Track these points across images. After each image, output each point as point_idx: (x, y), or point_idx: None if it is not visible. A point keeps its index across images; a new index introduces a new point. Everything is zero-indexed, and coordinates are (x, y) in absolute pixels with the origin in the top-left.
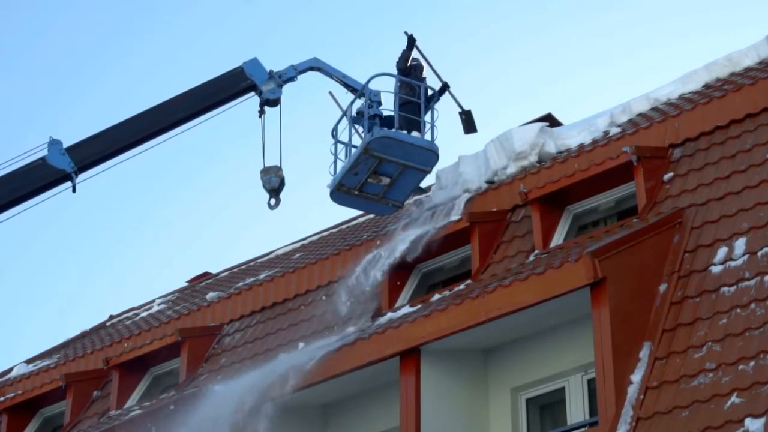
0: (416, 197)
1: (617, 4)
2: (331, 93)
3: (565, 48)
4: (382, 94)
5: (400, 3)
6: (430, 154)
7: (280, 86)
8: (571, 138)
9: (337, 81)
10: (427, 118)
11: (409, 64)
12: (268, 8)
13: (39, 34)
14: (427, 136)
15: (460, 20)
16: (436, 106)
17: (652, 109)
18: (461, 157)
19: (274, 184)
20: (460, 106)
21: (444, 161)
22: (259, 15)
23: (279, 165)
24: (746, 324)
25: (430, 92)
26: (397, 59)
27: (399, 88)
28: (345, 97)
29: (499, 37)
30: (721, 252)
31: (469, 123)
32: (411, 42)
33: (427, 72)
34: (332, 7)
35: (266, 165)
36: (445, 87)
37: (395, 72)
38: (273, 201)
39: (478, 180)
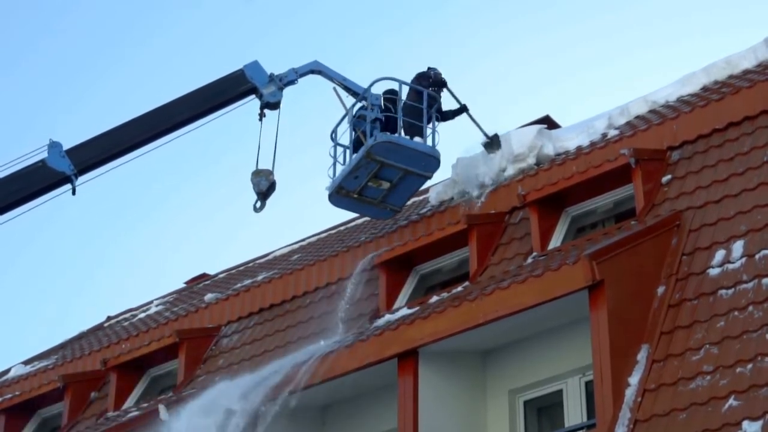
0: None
1: (615, 6)
2: (335, 89)
3: (562, 50)
4: (383, 98)
5: (401, 5)
6: (431, 160)
7: (281, 89)
8: (569, 140)
9: (338, 84)
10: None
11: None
12: (268, 9)
13: (39, 34)
14: (429, 142)
15: (459, 22)
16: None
17: (650, 111)
18: (459, 159)
19: (262, 187)
20: (485, 135)
21: (445, 166)
22: (259, 16)
23: (271, 169)
24: (744, 326)
25: (445, 108)
26: (417, 75)
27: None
28: (348, 99)
29: (497, 39)
30: (719, 255)
31: (493, 146)
32: (441, 85)
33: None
34: (333, 8)
35: (259, 168)
36: (463, 109)
37: (409, 81)
38: (259, 204)
39: (475, 181)
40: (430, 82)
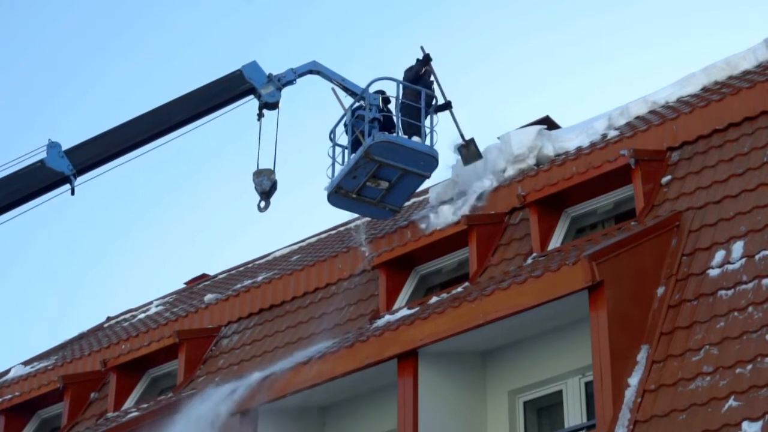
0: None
1: (615, 7)
2: (334, 89)
3: (562, 50)
4: (381, 98)
5: (400, 5)
6: (430, 159)
7: (279, 89)
8: (569, 141)
9: (336, 84)
10: (427, 122)
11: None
12: (268, 9)
13: (39, 34)
14: (427, 141)
15: (458, 23)
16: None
17: (650, 112)
18: (459, 159)
19: (265, 186)
20: (462, 137)
21: (443, 163)
22: (259, 15)
23: (272, 168)
24: (744, 327)
25: (433, 102)
26: (407, 69)
27: (401, 93)
28: (346, 99)
29: (497, 39)
30: (719, 255)
31: (469, 153)
32: (426, 60)
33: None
34: (332, 8)
35: (260, 167)
36: (447, 105)
37: (401, 78)
38: (263, 204)
39: (475, 182)
40: (418, 63)
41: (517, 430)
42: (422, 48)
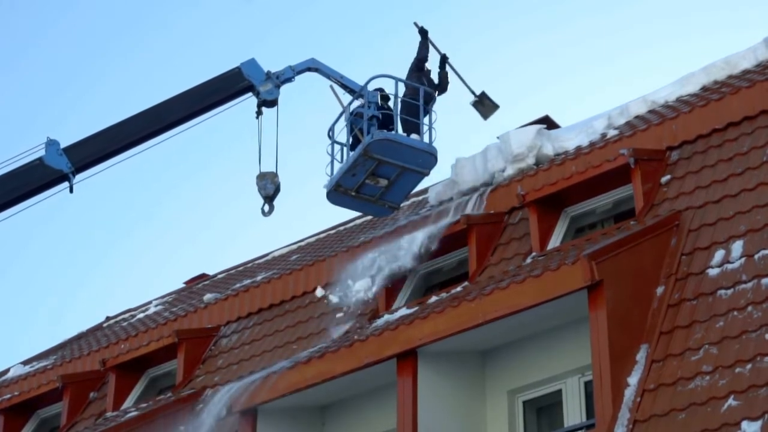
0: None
1: (615, 7)
2: (332, 87)
3: (562, 50)
4: (380, 95)
5: (400, 5)
6: (429, 157)
7: (278, 87)
8: (569, 140)
9: (335, 82)
10: (426, 120)
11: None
12: (268, 8)
13: (39, 34)
14: (426, 139)
15: (458, 23)
16: (435, 108)
17: (650, 111)
18: (458, 159)
19: (269, 190)
20: (472, 92)
21: (442, 163)
22: (259, 15)
23: (275, 171)
24: (743, 326)
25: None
26: (417, 52)
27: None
28: (344, 97)
29: (497, 39)
30: (719, 255)
31: (485, 106)
32: (424, 34)
33: (430, 63)
34: (332, 7)
35: (262, 170)
36: (443, 60)
37: (413, 64)
38: (267, 208)
39: (474, 182)
40: (419, 46)
41: (516, 429)
42: (416, 24)
